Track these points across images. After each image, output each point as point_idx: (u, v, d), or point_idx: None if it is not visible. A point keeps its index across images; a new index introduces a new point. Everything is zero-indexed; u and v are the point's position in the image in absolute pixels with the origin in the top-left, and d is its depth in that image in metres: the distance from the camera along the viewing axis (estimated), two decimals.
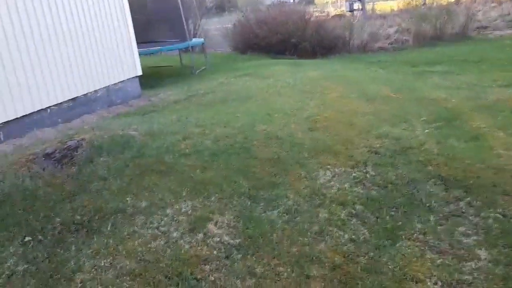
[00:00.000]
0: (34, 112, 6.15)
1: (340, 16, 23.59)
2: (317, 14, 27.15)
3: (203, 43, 13.27)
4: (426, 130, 4.84)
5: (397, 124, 5.02)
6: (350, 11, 17.65)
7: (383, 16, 24.93)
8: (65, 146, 4.26)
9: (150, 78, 12.13)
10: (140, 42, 12.24)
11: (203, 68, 12.86)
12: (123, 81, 8.35)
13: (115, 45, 8.14)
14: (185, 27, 11.85)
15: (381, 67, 10.67)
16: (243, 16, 16.85)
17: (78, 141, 4.33)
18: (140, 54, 11.28)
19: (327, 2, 48.86)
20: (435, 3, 25.19)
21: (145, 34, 12.71)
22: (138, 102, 8.21)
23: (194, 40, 12.71)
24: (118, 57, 8.21)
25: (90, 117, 6.91)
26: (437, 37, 16.16)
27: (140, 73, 8.87)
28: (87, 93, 7.39)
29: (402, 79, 8.12)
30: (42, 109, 6.38)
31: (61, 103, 6.77)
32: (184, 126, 5.01)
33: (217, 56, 15.86)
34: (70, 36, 6.93)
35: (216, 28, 20.44)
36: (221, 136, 4.48)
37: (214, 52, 18.53)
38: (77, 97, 7.11)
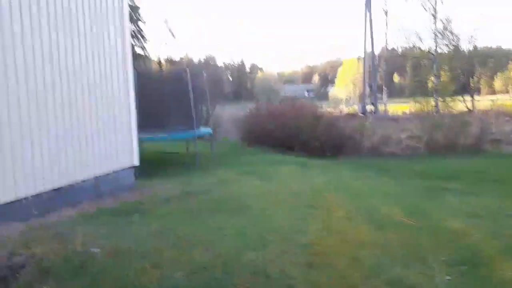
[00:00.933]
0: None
1: (352, 115, 23.49)
2: (329, 110, 27.22)
3: (210, 134, 12.80)
4: (448, 277, 3.95)
5: (411, 264, 4.15)
6: (362, 112, 17.36)
7: (395, 119, 24.78)
8: (9, 264, 3.47)
9: (153, 165, 11.54)
10: (146, 125, 11.85)
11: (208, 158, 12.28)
12: (117, 171, 7.70)
13: (112, 131, 7.58)
14: (194, 115, 11.42)
15: (392, 177, 9.95)
16: (253, 108, 16.62)
17: (26, 257, 3.54)
18: (143, 140, 10.81)
19: (340, 99, 49.73)
20: (447, 111, 25.10)
21: (152, 118, 12.32)
22: (128, 195, 7.45)
23: (202, 129, 12.24)
24: (114, 144, 7.62)
25: (68, 212, 6.14)
26: (450, 147, 15.59)
27: (136, 163, 8.23)
28: (73, 184, 6.71)
29: (415, 197, 7.34)
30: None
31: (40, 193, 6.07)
32: (159, 243, 4.21)
33: (225, 146, 15.37)
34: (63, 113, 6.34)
35: (231, 114, 20.24)
36: (198, 266, 3.65)
37: (224, 140, 18.17)
38: (61, 187, 6.42)
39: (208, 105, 19.93)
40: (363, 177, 9.45)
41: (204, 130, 12.60)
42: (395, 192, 7.67)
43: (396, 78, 71.07)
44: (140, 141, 10.63)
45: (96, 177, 7.20)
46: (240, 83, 72.28)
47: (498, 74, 49.42)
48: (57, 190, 6.31)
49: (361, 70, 21.01)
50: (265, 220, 5.24)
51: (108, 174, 7.46)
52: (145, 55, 42.36)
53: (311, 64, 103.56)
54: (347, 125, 15.57)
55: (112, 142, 7.58)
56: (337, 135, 14.57)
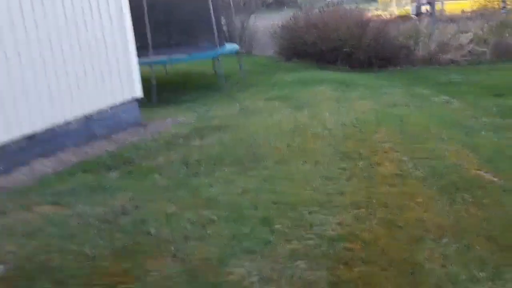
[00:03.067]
0: None
1: (404, 18, 20.38)
2: (378, 13, 23.99)
3: (237, 51, 10.88)
4: None
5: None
6: (416, 14, 14.59)
7: (454, 20, 21.39)
8: None
9: (172, 89, 9.99)
10: (161, 45, 10.10)
11: (238, 78, 10.52)
12: (113, 106, 6.18)
13: (102, 56, 5.96)
14: (215, 30, 9.50)
15: (455, 95, 7.83)
16: (290, 18, 14.27)
17: None
18: (153, 63, 9.13)
19: (390, 1, 44.83)
20: None
21: (168, 36, 10.55)
22: (125, 136, 5.98)
23: (227, 46, 10.33)
24: (107, 75, 6.04)
25: (40, 165, 4.77)
26: None
27: (139, 94, 6.66)
28: (53, 127, 5.29)
29: (493, 130, 5.36)
30: None
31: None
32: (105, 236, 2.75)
33: (258, 63, 13.42)
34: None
35: (269, 25, 17.83)
36: None
37: (259, 55, 16.15)
38: (35, 134, 5.02)
39: (233, 16, 17.75)
40: (419, 98, 7.43)
41: (230, 46, 10.68)
42: (464, 124, 5.70)
43: None
44: (151, 64, 9.02)
45: (87, 116, 5.75)
46: None
47: None
48: (30, 138, 4.93)
49: None
50: (279, 186, 3.60)
51: (102, 111, 5.97)
52: None
53: None
54: (398, 31, 13.02)
55: (104, 72, 5.99)
56: (386, 44, 12.17)
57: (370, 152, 4.30)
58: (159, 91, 9.69)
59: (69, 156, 5.09)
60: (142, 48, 10.26)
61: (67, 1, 5.41)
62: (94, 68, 5.83)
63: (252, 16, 18.67)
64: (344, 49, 12.07)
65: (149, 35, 8.93)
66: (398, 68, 12.11)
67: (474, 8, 24.29)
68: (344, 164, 3.97)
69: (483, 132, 5.30)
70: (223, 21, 17.85)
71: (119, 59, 6.23)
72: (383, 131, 5.08)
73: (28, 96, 4.88)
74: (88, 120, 5.77)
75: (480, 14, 21.98)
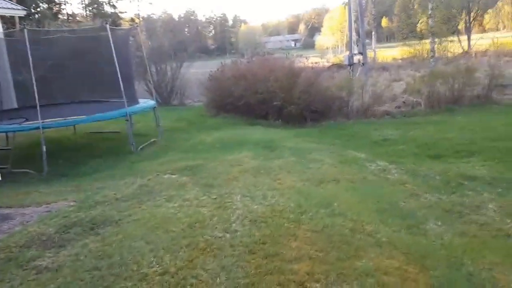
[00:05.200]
0: None
1: (338, 66, 19.89)
2: (313, 61, 23.51)
3: (154, 107, 9.37)
4: None
5: None
6: (349, 64, 13.84)
7: (387, 68, 21.17)
8: None
9: (76, 154, 8.29)
10: (43, 104, 8.43)
11: (152, 140, 8.97)
12: None
13: None
14: (121, 86, 7.99)
15: (392, 159, 6.70)
16: (217, 69, 13.07)
17: None
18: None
19: (327, 48, 45.40)
20: (444, 53, 21.45)
21: (60, 90, 8.94)
22: None
23: (137, 106, 8.79)
24: None
25: None
26: (454, 101, 12.29)
27: None
28: None
29: (441, 219, 4.12)
30: None
31: None
32: None
33: (183, 118, 11.95)
34: None
35: (203, 74, 16.45)
36: None
37: (188, 108, 14.80)
38: None
39: (177, 63, 16.37)
40: (350, 168, 6.18)
41: (144, 104, 9.17)
42: (408, 209, 4.43)
43: (385, 22, 66.04)
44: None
45: None
46: (223, 38, 66.87)
47: (489, 10, 44.97)
48: None
49: (348, 14, 17.24)
50: None
51: None
52: (115, 13, 38.03)
53: (296, 13, 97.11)
54: (331, 83, 12.11)
55: None
56: (319, 96, 11.15)
57: (280, 287, 2.85)
58: (58, 157, 7.99)
59: None
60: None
61: None
62: None
63: (186, 65, 17.40)
64: (274, 102, 10.90)
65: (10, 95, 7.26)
66: (332, 121, 11.09)
67: (404, 56, 24.55)
68: None
69: (430, 224, 4.03)
70: (154, 69, 16.50)
71: None
72: (301, 235, 3.66)
73: None
74: None
75: (410, 62, 22.05)
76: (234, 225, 3.95)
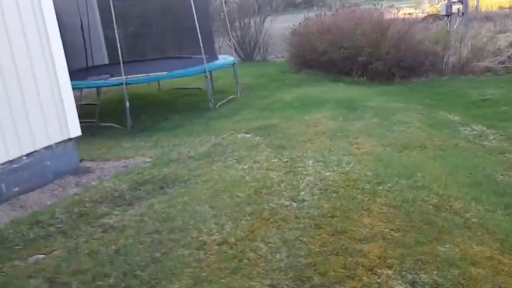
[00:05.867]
0: None
1: (434, 17, 18.00)
2: (406, 12, 21.58)
3: (234, 64, 9.14)
4: None
5: None
6: (447, 15, 12.37)
7: (490, 18, 18.75)
8: None
9: (158, 110, 8.41)
10: (134, 60, 8.56)
11: (231, 97, 8.83)
12: (33, 153, 4.60)
13: (10, 85, 4.36)
14: (201, 42, 7.81)
15: (491, 123, 5.83)
16: (300, 23, 12.39)
17: None
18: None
19: None
20: None
21: (144, 48, 9.00)
22: (39, 196, 4.40)
23: (216, 62, 8.59)
24: (18, 110, 4.46)
25: None
26: None
27: (73, 134, 5.06)
28: None
29: None
30: None
31: None
32: None
33: (264, 75, 11.61)
34: None
35: (287, 28, 15.80)
36: None
37: (270, 64, 14.38)
38: None
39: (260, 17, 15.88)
40: (440, 131, 5.48)
41: (223, 60, 8.94)
42: (508, 186, 3.78)
43: None
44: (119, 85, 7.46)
45: None
46: None
47: None
48: None
49: None
50: None
51: (13, 162, 4.41)
52: None
53: None
54: (424, 37, 10.92)
55: (16, 108, 4.41)
56: (410, 51, 10.11)
57: (345, 271, 2.50)
58: (141, 112, 8.16)
59: None
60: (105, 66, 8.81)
61: None
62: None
63: (270, 19, 16.85)
64: (359, 58, 10.11)
65: (119, 48, 7.35)
66: (423, 79, 10.04)
67: None
68: None
69: None
70: (236, 24, 16.21)
71: (40, 88, 4.64)
72: (376, 210, 3.24)
73: None
74: None
75: None
76: (302, 193, 3.63)
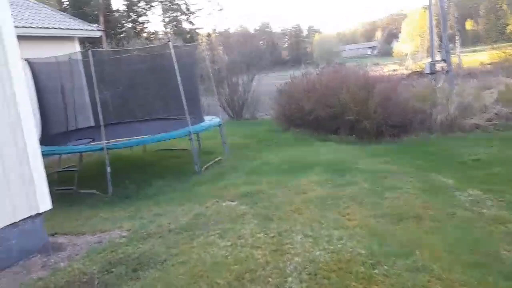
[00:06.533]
0: None
1: (419, 74, 18.29)
2: (392, 69, 21.97)
3: (220, 125, 8.91)
4: None
5: None
6: (431, 73, 12.50)
7: (473, 74, 19.11)
8: None
9: (141, 173, 8.05)
10: (116, 122, 8.32)
11: (218, 159, 8.51)
12: None
13: None
14: (185, 104, 7.61)
15: (487, 187, 5.54)
16: (286, 82, 12.39)
17: None
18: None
19: (406, 55, 42.75)
20: None
21: (124, 111, 8.81)
22: (1, 282, 3.93)
23: (201, 124, 8.36)
24: None
25: None
26: None
27: (43, 208, 4.64)
28: None
29: None
30: None
31: None
32: None
33: (251, 135, 11.41)
34: None
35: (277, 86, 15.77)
36: None
37: (258, 122, 14.26)
38: None
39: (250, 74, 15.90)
40: (436, 198, 5.16)
41: (209, 121, 8.72)
42: (503, 262, 3.42)
43: (469, 24, 61.17)
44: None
45: None
46: (298, 48, 66.10)
47: None
48: None
49: (428, 19, 15.69)
50: None
51: None
52: (193, 29, 38.92)
53: (372, 20, 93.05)
54: (412, 94, 10.89)
55: None
56: (397, 110, 10.02)
57: None
58: (124, 177, 7.78)
59: None
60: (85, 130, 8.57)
61: None
62: None
63: (258, 77, 16.94)
64: (347, 117, 9.98)
65: (99, 112, 7.10)
66: (413, 137, 9.86)
67: (494, 60, 22.11)
68: None
69: None
70: (225, 82, 16.20)
71: (6, 159, 4.28)
72: None
73: None
74: None
75: (501, 67, 19.71)
76: (290, 279, 3.22)
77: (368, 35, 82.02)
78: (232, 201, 5.66)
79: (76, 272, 3.96)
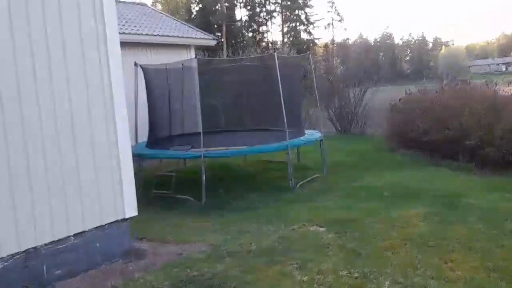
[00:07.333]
0: None
1: None
2: None
3: (321, 139, 8.47)
4: None
5: None
6: None
7: None
8: None
9: (237, 185, 7.98)
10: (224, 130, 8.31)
11: (315, 176, 8.10)
12: (82, 232, 4.29)
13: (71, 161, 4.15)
14: (285, 117, 7.34)
15: None
16: (400, 99, 11.43)
17: None
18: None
19: None
20: None
21: (220, 121, 8.78)
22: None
23: (301, 138, 7.99)
24: (76, 188, 4.22)
25: None
26: None
27: (129, 214, 4.69)
28: None
29: None
30: None
31: None
32: None
33: (356, 152, 10.72)
34: None
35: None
36: None
37: (367, 138, 13.42)
38: None
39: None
40: None
41: (309, 136, 8.31)
42: None
43: None
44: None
45: (26, 251, 3.91)
46: (420, 61, 61.91)
47: None
48: None
49: None
50: None
51: (58, 242, 4.10)
52: (311, 39, 38.77)
53: (509, 33, 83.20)
54: None
55: (71, 182, 4.17)
56: None
57: None
58: (220, 185, 7.77)
59: None
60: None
61: None
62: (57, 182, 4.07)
63: (371, 90, 16.05)
64: (467, 142, 8.80)
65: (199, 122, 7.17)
66: None
67: None
68: None
69: None
70: (338, 93, 15.62)
71: (100, 164, 4.39)
72: None
73: None
74: (28, 257, 3.92)
75: None
76: None
77: (504, 50, 73.69)
78: (321, 227, 5.20)
79: (147, 286, 3.89)
